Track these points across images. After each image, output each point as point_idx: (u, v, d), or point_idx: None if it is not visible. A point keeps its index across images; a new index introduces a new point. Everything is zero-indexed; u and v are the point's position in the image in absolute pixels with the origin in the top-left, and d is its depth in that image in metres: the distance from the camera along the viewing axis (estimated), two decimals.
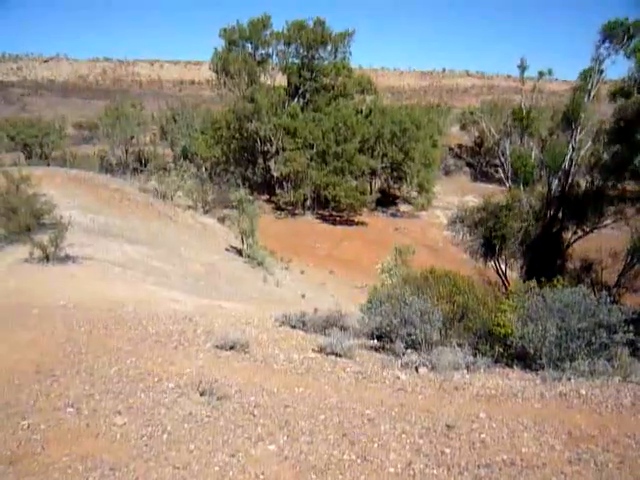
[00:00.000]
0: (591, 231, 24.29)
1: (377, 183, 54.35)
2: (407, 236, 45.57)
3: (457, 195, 52.19)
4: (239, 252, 30.80)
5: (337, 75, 51.30)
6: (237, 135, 48.70)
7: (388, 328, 14.18)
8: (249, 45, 50.82)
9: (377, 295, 17.37)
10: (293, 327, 15.87)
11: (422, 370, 10.31)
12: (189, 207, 34.20)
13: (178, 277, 20.86)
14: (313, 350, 12.00)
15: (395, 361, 11.15)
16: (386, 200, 53.48)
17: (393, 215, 52.26)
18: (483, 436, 6.07)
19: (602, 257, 23.37)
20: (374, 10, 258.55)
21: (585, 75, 23.27)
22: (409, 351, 12.84)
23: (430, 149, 50.51)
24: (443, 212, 49.21)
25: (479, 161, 68.19)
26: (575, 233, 24.57)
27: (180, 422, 6.48)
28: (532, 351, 13.12)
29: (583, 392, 8.44)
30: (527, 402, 7.78)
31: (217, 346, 10.21)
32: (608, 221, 23.45)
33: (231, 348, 10.30)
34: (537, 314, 13.59)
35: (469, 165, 70.83)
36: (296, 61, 50.94)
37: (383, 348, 13.67)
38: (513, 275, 25.01)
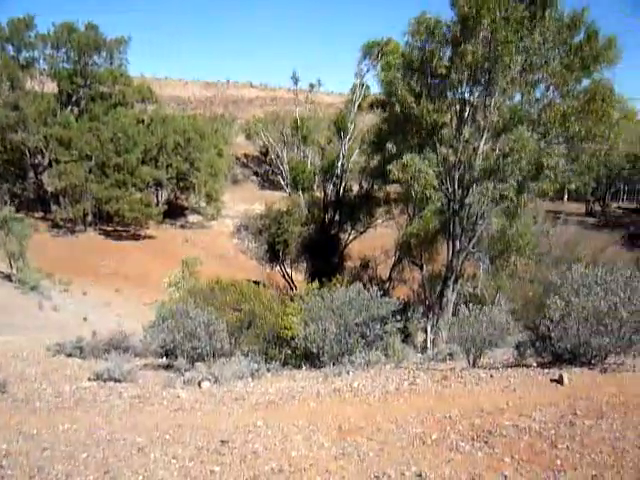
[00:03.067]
0: (365, 231, 26.35)
1: (164, 195, 52.82)
2: (197, 247, 45.03)
3: (246, 203, 52.83)
4: (8, 277, 27.55)
5: (114, 83, 48.69)
6: (0, 147, 43.56)
7: (173, 344, 13.71)
8: (10, 47, 45.91)
9: (161, 311, 16.69)
10: (69, 355, 14.51)
11: (205, 384, 10.03)
12: None
13: None
14: (89, 379, 11.04)
15: (178, 378, 10.73)
16: (175, 212, 52.25)
17: (182, 227, 51.26)
18: (256, 446, 5.99)
19: (376, 254, 25.43)
20: (158, 19, 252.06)
21: (353, 88, 25.29)
22: (198, 364, 12.53)
23: (215, 159, 50.47)
24: (233, 221, 49.43)
25: (265, 170, 70.02)
26: (351, 234, 26.43)
27: None
28: (316, 350, 13.67)
29: (355, 384, 8.86)
30: (304, 403, 7.94)
31: None
32: (379, 221, 25.62)
33: None
34: (317, 314, 14.21)
35: (256, 174, 72.53)
36: (68, 67, 47.21)
37: (169, 366, 13.14)
38: (300, 278, 26.01)
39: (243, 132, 77.84)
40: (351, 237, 26.55)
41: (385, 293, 24.73)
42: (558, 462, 4.98)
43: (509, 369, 9.06)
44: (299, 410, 7.55)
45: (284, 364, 15.83)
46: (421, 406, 7.18)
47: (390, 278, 24.45)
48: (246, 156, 75.52)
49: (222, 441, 6.24)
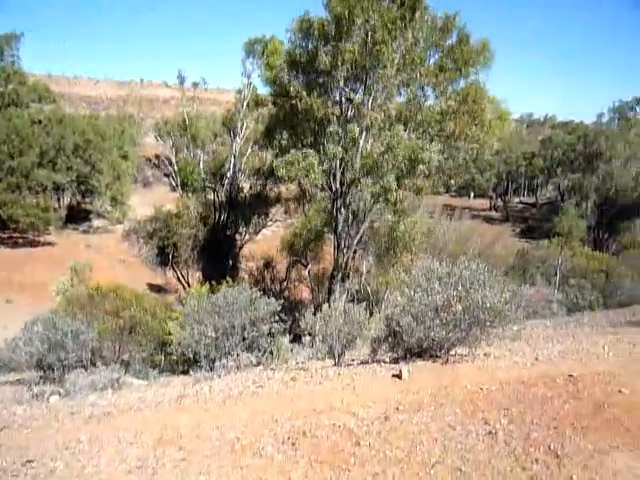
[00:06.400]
0: (260, 231, 26.18)
1: (65, 199, 50.35)
2: (101, 252, 43.19)
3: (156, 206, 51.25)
4: None
5: (7, 81, 45.89)
6: None
7: (37, 356, 13.01)
8: None
9: (32, 321, 15.78)
10: None
11: (53, 399, 9.51)
12: None
13: None
14: None
15: (27, 393, 10.13)
16: (78, 216, 49.94)
17: (86, 232, 49.01)
18: (57, 464, 5.50)
19: (275, 254, 25.29)
20: (63, 16, 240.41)
21: (242, 87, 25.02)
22: (68, 377, 11.90)
23: (119, 161, 48.62)
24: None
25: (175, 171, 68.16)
26: (246, 234, 26.16)
27: None
28: (191, 355, 13.34)
29: (206, 389, 8.65)
30: (140, 413, 7.62)
31: None
32: (277, 220, 25.51)
33: None
34: (195, 317, 13.88)
35: (167, 175, 70.64)
36: None
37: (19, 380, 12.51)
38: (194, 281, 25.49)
39: (153, 133, 75.64)
40: (247, 238, 26.30)
41: (282, 292, 24.87)
42: (352, 460, 4.98)
43: (361, 366, 9.14)
44: (132, 421, 7.23)
45: (171, 370, 15.45)
46: (258, 409, 7.06)
47: (287, 277, 24.42)
48: (157, 157, 73.46)
49: (28, 461, 5.86)
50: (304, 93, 17.20)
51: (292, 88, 17.31)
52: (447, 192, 69.20)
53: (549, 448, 4.86)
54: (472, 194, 68.53)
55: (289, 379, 8.62)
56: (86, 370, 11.69)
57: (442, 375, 7.76)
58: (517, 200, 72.44)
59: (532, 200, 70.04)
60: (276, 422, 6.36)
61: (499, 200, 67.97)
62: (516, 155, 62.11)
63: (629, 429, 5.25)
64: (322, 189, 17.20)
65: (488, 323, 8.39)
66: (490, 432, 5.32)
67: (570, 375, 7.11)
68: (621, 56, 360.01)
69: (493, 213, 64.59)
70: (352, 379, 8.06)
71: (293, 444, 5.52)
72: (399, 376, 7.80)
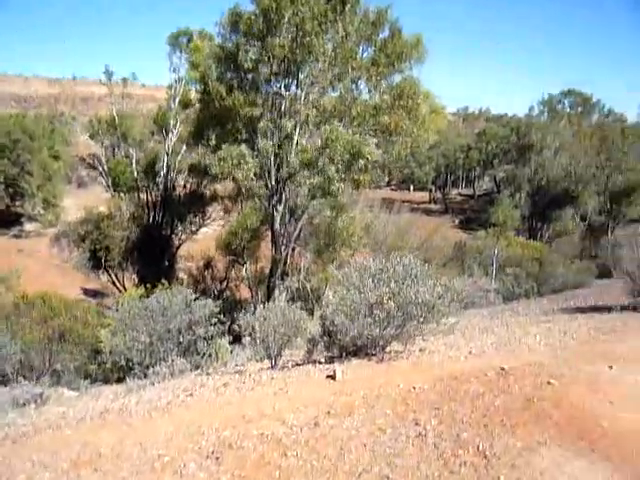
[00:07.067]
0: (198, 230, 25.56)
1: None
2: (33, 257, 41.31)
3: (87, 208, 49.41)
4: None
5: None
6: None
7: None
8: None
9: None
10: None
11: None
12: None
13: None
14: None
15: None
16: (7, 220, 47.63)
17: (17, 236, 46.82)
18: None
19: (215, 253, 24.71)
20: None
21: (171, 83, 24.23)
22: None
23: (50, 161, 46.60)
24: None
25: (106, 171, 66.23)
26: (183, 234, 25.48)
27: None
28: (123, 362, 12.78)
29: (133, 401, 8.22)
30: (60, 431, 7.12)
31: None
32: (214, 218, 24.92)
33: None
34: (127, 323, 13.33)
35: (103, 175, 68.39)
36: None
37: None
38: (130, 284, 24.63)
39: (86, 131, 73.18)
40: (184, 237, 25.61)
41: (222, 292, 24.37)
42: (277, 474, 4.74)
43: (296, 368, 8.92)
44: (50, 441, 6.75)
45: (105, 380, 14.80)
46: (184, 421, 6.71)
47: (226, 277, 23.94)
48: (93, 157, 70.98)
49: None
50: (224, 92, 16.78)
51: (218, 85, 16.87)
52: (388, 186, 70.09)
53: (478, 449, 4.76)
54: (412, 187, 69.54)
55: (221, 385, 8.30)
56: (6, 385, 11.01)
57: (377, 374, 7.63)
58: (456, 192, 74.04)
59: (470, 192, 71.73)
60: (202, 434, 6.04)
61: (438, 192, 69.26)
62: (453, 148, 63.40)
63: (557, 423, 5.22)
64: (258, 186, 16.84)
65: (422, 319, 8.32)
66: (420, 434, 5.18)
67: (502, 368, 7.10)
68: (553, 51, 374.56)
69: (433, 205, 65.72)
70: (285, 383, 7.82)
71: (217, 459, 5.22)
72: (333, 377, 7.61)
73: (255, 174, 16.53)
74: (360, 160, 15.62)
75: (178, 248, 25.61)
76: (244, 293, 23.51)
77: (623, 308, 12.71)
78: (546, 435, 4.95)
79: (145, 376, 12.15)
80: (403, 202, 50.79)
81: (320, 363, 8.88)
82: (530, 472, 4.35)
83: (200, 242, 26.42)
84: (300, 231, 17.98)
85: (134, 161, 24.37)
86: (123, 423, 7.09)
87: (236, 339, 18.56)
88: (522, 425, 5.17)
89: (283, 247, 17.55)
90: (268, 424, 6.06)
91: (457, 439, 4.99)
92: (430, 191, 68.35)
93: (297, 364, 9.36)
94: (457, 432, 5.13)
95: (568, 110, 47.91)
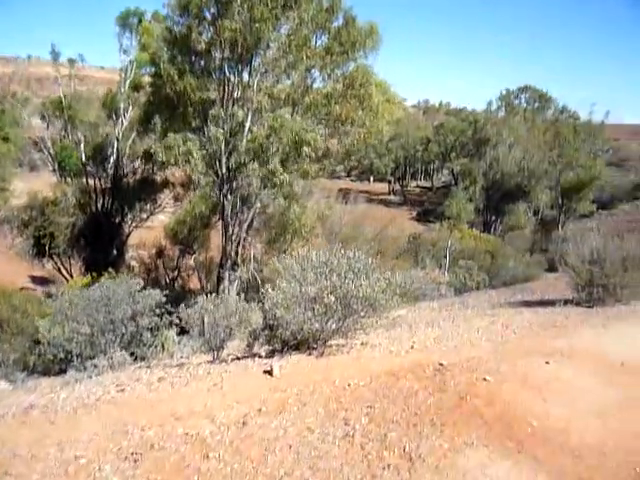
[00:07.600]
0: (149, 217, 24.91)
1: None
2: None
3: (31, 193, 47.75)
4: None
5: None
6: None
7: None
8: None
9: None
10: None
11: None
12: None
13: None
14: None
15: None
16: None
17: None
18: None
19: (166, 241, 24.16)
20: None
21: (122, 65, 23.45)
22: None
23: None
24: None
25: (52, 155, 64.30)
26: (133, 222, 24.80)
27: None
28: (63, 355, 12.32)
29: (63, 396, 7.85)
30: None
31: None
32: (166, 205, 24.31)
33: None
34: (68, 313, 12.84)
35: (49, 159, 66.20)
36: None
37: None
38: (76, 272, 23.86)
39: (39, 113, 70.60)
40: (134, 225, 24.91)
41: (174, 282, 23.88)
42: (195, 478, 4.51)
43: (236, 361, 8.69)
44: None
45: (45, 372, 14.26)
46: (112, 418, 6.39)
47: (177, 266, 23.43)
48: (41, 140, 68.48)
49: None
50: (176, 75, 16.27)
51: (170, 68, 16.33)
52: (348, 176, 70.12)
53: (404, 450, 4.63)
54: (372, 178, 69.69)
55: (156, 380, 8.00)
56: None
57: (315, 369, 7.47)
58: (414, 184, 74.60)
59: (429, 184, 72.35)
60: (126, 434, 5.76)
61: (397, 184, 69.62)
62: (413, 140, 63.69)
63: (487, 422, 5.15)
64: (207, 174, 16.41)
65: (363, 313, 8.19)
66: (347, 434, 5.03)
67: (440, 364, 7.03)
68: (513, 48, 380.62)
69: (392, 197, 66.03)
70: (221, 377, 7.58)
71: (136, 461, 4.96)
72: (270, 372, 7.41)
73: (206, 164, 16.14)
74: (304, 148, 15.33)
75: (128, 236, 24.90)
76: (195, 283, 23.06)
77: (566, 302, 12.89)
78: (474, 435, 4.86)
79: (85, 369, 11.76)
80: (362, 193, 50.97)
81: (260, 357, 8.68)
82: (453, 474, 4.24)
83: (155, 230, 25.78)
84: (252, 220, 17.66)
85: (82, 146, 23.49)
86: (47, 420, 6.73)
87: (184, 330, 18.19)
88: (452, 425, 5.08)
89: (234, 237, 17.19)
90: (196, 423, 5.83)
91: (384, 440, 4.86)
92: (389, 182, 68.65)
93: (237, 358, 9.13)
94: (385, 432, 5.00)
95: (525, 106, 48.52)
